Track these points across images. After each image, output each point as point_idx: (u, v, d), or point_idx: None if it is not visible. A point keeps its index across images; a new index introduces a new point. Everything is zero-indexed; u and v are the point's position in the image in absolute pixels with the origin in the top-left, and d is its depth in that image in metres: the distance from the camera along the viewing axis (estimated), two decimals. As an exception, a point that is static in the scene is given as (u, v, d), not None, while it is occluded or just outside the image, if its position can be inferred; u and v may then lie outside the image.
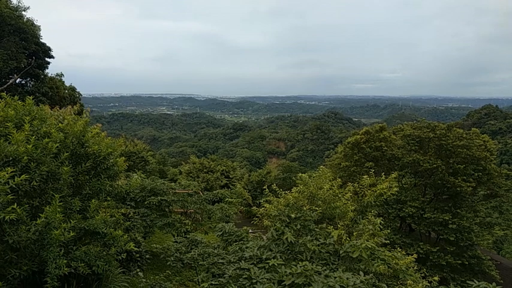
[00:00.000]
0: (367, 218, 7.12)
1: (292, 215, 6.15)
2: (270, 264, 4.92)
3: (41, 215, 4.29)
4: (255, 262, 5.26)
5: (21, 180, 4.22)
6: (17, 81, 24.69)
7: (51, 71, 47.61)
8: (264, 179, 36.20)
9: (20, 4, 24.31)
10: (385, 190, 7.99)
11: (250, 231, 9.09)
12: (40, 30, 25.40)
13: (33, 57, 24.83)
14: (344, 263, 5.46)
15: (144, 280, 7.57)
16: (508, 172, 20.78)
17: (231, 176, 38.38)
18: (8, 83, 22.60)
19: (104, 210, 6.81)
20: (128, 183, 7.43)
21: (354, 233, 6.69)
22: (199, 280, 7.22)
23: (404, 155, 19.25)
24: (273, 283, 4.52)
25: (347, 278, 4.34)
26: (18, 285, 4.83)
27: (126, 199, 10.23)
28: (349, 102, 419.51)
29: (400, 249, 6.48)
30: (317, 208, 7.06)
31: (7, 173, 4.10)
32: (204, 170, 36.79)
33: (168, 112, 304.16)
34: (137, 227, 9.46)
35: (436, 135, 18.57)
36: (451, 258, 16.72)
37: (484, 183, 18.92)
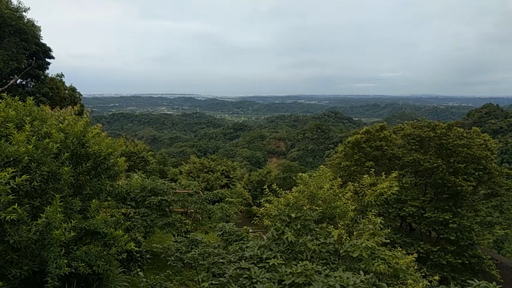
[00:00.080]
0: (368, 218, 7.11)
1: (293, 215, 6.16)
2: (270, 263, 4.93)
3: (41, 215, 4.30)
4: (255, 262, 5.27)
5: (22, 180, 4.24)
6: (18, 81, 24.73)
7: (52, 71, 47.65)
8: (264, 178, 36.26)
9: (20, 5, 24.36)
10: (385, 189, 8.00)
11: (250, 230, 9.09)
12: (40, 31, 25.45)
13: (34, 58, 24.87)
14: (344, 263, 5.47)
15: (144, 280, 7.59)
16: (509, 171, 20.73)
17: (231, 176, 38.41)
18: (9, 84, 22.64)
19: (104, 210, 6.83)
20: (128, 183, 7.43)
21: (354, 233, 6.68)
22: (200, 280, 7.23)
23: (405, 154, 19.24)
24: (273, 282, 4.52)
25: (347, 278, 4.34)
26: (19, 285, 4.85)
27: (126, 199, 10.25)
28: (349, 102, 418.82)
29: (400, 249, 6.50)
30: (317, 208, 7.06)
31: (8, 173, 4.12)
32: (204, 170, 36.84)
33: (168, 112, 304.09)
34: (138, 227, 9.48)
35: (437, 134, 18.55)
36: (452, 257, 16.73)
37: (485, 182, 18.93)
